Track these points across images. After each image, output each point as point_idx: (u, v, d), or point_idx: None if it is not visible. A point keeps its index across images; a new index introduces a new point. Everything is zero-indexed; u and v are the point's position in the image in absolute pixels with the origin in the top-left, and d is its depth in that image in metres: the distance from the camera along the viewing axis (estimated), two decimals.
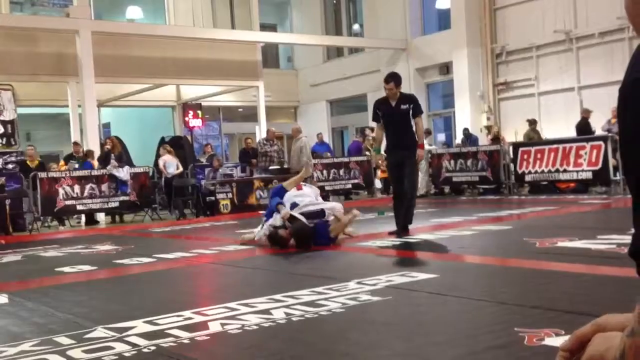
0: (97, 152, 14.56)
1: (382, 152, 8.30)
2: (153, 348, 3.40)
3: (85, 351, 3.41)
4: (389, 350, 3.19)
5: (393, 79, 7.88)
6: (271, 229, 7.19)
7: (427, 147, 8.25)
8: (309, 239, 7.04)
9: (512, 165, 14.13)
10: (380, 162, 8.71)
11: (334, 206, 7.72)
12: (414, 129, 7.96)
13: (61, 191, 12.77)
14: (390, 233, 7.93)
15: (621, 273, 4.56)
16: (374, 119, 8.22)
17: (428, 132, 15.11)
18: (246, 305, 4.29)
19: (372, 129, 13.96)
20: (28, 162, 13.74)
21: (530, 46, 16.51)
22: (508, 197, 13.59)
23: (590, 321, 0.81)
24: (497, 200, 13.14)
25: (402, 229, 7.90)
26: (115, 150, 14.23)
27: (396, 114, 7.88)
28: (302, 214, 7.20)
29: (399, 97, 7.93)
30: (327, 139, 20.25)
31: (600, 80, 15.10)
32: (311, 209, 7.31)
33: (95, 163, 14.03)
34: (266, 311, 4.08)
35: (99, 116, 17.72)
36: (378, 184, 18.02)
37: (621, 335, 0.73)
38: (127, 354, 3.32)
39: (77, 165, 13.82)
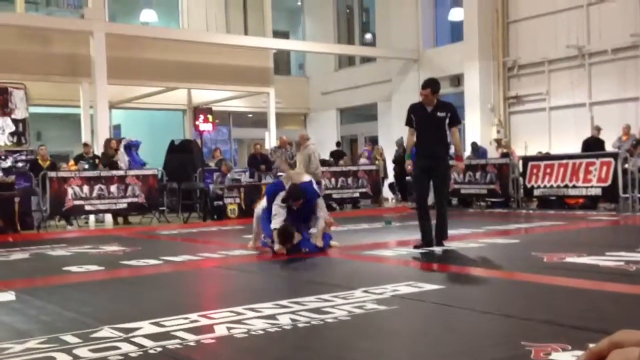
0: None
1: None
2: (159, 349, 3.41)
3: (91, 350, 3.43)
4: (394, 359, 3.18)
5: (430, 85, 7.51)
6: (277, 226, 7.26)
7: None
8: (290, 236, 7.20)
9: (521, 179, 14.09)
10: (409, 167, 8.10)
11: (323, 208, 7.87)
12: (448, 139, 7.66)
13: (70, 191, 12.81)
14: (415, 247, 7.50)
15: (629, 290, 4.55)
16: (407, 123, 7.75)
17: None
18: (252, 309, 4.29)
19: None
20: (40, 161, 13.80)
21: (543, 60, 16.49)
22: (516, 211, 13.54)
23: (598, 337, 0.81)
24: (505, 213, 13.10)
25: (427, 243, 7.45)
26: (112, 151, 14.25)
27: (431, 120, 7.48)
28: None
29: (435, 104, 7.53)
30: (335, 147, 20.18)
31: (612, 96, 15.07)
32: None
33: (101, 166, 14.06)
34: (272, 316, 4.09)
35: (110, 118, 17.80)
36: (388, 193, 18.01)
37: (638, 350, 0.73)
38: (133, 354, 3.33)
39: (86, 166, 13.87)
